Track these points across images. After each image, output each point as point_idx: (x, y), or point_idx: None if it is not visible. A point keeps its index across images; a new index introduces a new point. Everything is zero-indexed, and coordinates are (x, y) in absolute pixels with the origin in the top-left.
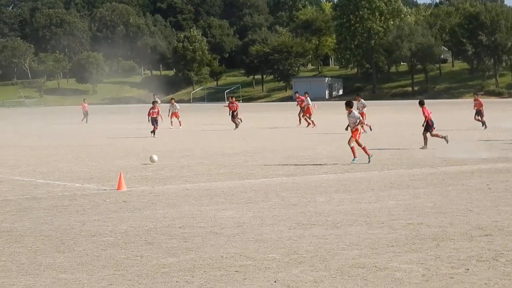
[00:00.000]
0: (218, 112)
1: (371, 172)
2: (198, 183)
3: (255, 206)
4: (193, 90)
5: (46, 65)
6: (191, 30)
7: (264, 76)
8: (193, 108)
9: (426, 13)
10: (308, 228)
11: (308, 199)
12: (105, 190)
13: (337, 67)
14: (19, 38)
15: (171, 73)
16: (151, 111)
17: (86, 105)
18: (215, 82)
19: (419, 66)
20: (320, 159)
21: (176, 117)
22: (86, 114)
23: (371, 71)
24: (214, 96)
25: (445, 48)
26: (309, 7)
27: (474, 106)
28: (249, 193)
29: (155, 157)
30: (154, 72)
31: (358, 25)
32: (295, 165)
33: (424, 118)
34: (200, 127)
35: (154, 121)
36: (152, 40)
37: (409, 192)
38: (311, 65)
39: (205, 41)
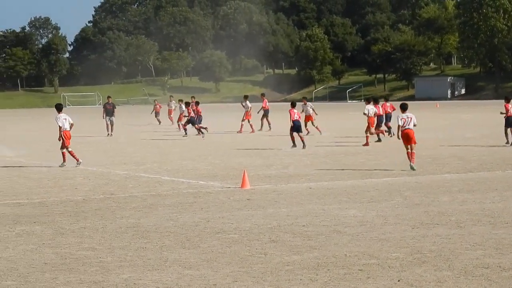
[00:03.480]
0: (339, 111)
1: (495, 172)
2: (321, 182)
3: (378, 205)
4: (315, 89)
5: (170, 63)
6: (314, 28)
7: (386, 75)
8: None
9: None
10: (431, 227)
11: (431, 199)
12: (229, 188)
13: (460, 66)
14: (143, 36)
15: (293, 71)
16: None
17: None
18: (337, 81)
19: None
20: (443, 158)
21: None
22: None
23: (494, 70)
24: (336, 95)
25: None
26: (431, 5)
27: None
28: (372, 192)
29: None
30: (277, 71)
31: (481, 23)
32: (417, 164)
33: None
34: (323, 127)
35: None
36: (274, 39)
37: None
38: (433, 64)
39: (327, 39)
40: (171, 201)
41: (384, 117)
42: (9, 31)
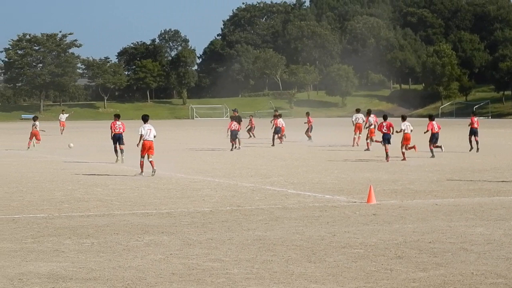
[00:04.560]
0: (466, 127)
1: None
2: (447, 199)
3: (506, 224)
4: (442, 105)
5: (297, 77)
6: (441, 44)
7: None
8: (443, 123)
9: None
10: None
11: None
12: (354, 202)
13: None
14: (271, 49)
15: (419, 87)
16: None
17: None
18: (464, 97)
19: None
20: None
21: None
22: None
23: None
24: (463, 112)
25: None
26: None
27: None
28: (499, 210)
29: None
30: (403, 86)
31: None
32: None
33: None
34: (447, 142)
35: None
36: (401, 54)
37: None
38: None
39: (454, 55)
40: (297, 215)
41: (439, 134)
42: (139, 43)
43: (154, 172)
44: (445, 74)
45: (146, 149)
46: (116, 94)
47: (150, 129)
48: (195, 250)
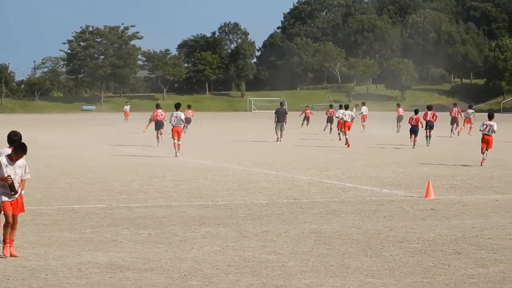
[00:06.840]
0: None
1: None
2: (508, 195)
3: None
4: (503, 100)
5: (356, 70)
6: (504, 39)
7: None
8: (505, 118)
9: None
10: None
11: None
12: (412, 197)
13: None
14: (331, 42)
15: (481, 82)
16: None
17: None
18: None
19: None
20: None
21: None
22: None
23: None
24: None
25: None
26: None
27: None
28: None
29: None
30: (464, 81)
31: None
32: None
33: None
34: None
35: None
36: (463, 48)
37: None
38: None
39: None
40: (354, 208)
41: (433, 122)
42: (200, 36)
43: (177, 154)
44: (507, 68)
45: (174, 132)
46: (176, 86)
47: (177, 116)
48: (251, 242)
